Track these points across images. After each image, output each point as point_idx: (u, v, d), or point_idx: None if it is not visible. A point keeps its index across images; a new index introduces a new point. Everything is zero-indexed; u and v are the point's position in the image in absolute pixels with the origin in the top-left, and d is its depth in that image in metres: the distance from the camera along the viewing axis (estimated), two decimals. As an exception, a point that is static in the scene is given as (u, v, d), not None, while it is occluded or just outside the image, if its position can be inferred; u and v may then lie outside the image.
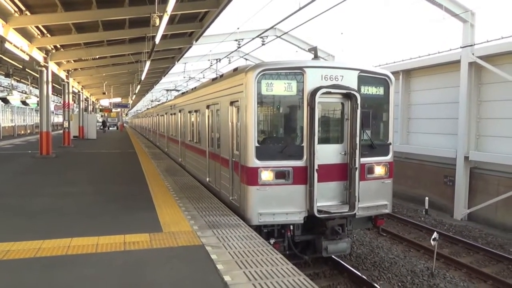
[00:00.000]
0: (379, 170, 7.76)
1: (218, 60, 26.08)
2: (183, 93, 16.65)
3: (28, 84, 33.23)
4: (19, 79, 31.02)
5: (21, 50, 14.38)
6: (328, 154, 7.35)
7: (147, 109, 42.75)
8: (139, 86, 31.62)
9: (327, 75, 7.22)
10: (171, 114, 17.87)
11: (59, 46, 18.59)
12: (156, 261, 5.00)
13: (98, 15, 13.80)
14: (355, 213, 7.32)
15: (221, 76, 9.76)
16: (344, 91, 7.27)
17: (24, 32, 14.42)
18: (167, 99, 28.63)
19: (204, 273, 4.62)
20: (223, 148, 8.79)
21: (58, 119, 55.56)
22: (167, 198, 8.69)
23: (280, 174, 7.04)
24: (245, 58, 27.21)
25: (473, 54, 14.14)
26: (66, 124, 24.23)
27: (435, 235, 9.14)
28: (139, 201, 8.48)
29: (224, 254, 5.21)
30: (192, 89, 14.34)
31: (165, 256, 5.18)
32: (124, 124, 70.60)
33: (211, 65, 27.75)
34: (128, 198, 8.79)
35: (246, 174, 7.13)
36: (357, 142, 7.25)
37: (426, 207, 15.17)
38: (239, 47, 20.89)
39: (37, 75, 18.64)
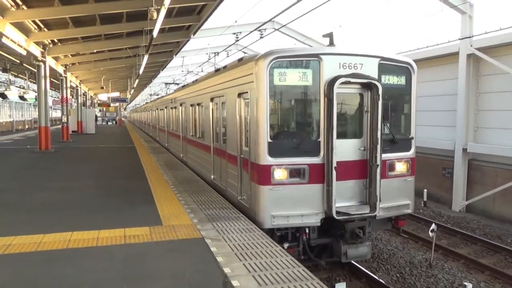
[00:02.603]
0: (400, 167, 7.16)
1: (216, 53, 26.01)
2: (183, 86, 16.15)
3: (26, 79, 33.14)
4: (16, 74, 30.92)
5: (18, 44, 14.33)
6: (345, 149, 6.72)
7: (146, 103, 42.53)
8: (137, 80, 31.56)
9: (346, 63, 6.58)
10: (172, 108, 17.33)
11: (56, 41, 18.51)
12: (156, 254, 5.04)
13: (95, 9, 13.73)
14: (375, 214, 6.74)
15: (225, 67, 9.14)
16: (365, 81, 6.65)
17: (21, 27, 14.35)
18: (166, 93, 28.43)
19: (204, 265, 4.66)
20: (230, 143, 8.18)
21: (56, 114, 55.50)
22: (167, 192, 8.71)
23: (295, 172, 6.45)
24: (243, 52, 27.14)
25: (471, 45, 14.11)
26: (64, 119, 24.23)
27: (433, 226, 9.19)
28: (139, 195, 8.50)
29: (224, 246, 5.25)
30: (193, 81, 13.73)
31: (165, 249, 5.22)
32: (123, 119, 70.45)
33: (209, 59, 27.70)
34: (128, 192, 8.82)
35: (258, 172, 6.53)
36: (378, 136, 6.63)
37: (425, 199, 15.24)
38: (237, 40, 20.84)
39: (35, 70, 18.58)
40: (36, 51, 16.77)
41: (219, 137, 9.21)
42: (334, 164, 6.42)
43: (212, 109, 9.71)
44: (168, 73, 39.19)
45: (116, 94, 46.85)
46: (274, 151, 6.41)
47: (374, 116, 6.70)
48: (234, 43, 22.48)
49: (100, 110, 59.39)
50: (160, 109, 22.54)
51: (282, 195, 6.40)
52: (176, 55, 24.51)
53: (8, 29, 13.03)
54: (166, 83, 33.89)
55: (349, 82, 6.55)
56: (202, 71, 31.65)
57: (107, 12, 14.09)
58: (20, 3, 12.90)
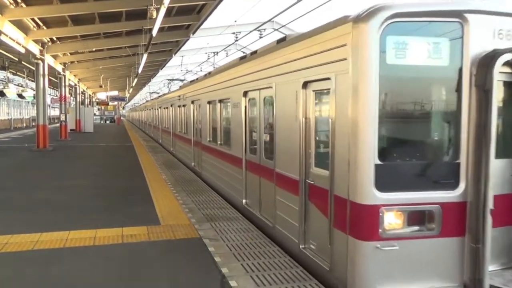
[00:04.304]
0: None
1: (216, 53, 26.02)
2: (191, 81, 13.99)
3: (24, 77, 33.12)
4: (15, 72, 30.87)
5: (16, 42, 14.30)
6: (495, 176, 3.87)
7: (147, 101, 41.97)
8: (136, 79, 31.55)
9: (502, 30, 3.90)
10: (179, 106, 14.87)
11: (55, 39, 18.49)
12: (154, 253, 5.01)
13: (95, 7, 13.73)
14: None
15: (254, 52, 6.93)
16: None
17: (19, 24, 14.33)
18: (169, 91, 27.92)
19: (201, 265, 4.64)
20: (283, 159, 5.51)
21: (54, 112, 55.46)
22: (165, 192, 8.70)
23: (417, 218, 3.87)
24: (242, 52, 27.16)
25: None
26: (62, 118, 24.22)
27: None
28: (137, 194, 8.48)
29: (221, 246, 5.23)
30: (205, 75, 11.60)
31: (162, 248, 5.20)
32: (122, 118, 70.40)
33: (208, 58, 27.70)
34: (126, 192, 8.79)
35: (354, 217, 3.87)
36: None
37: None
38: (236, 40, 20.83)
39: (33, 68, 18.56)
40: (35, 49, 16.74)
41: (258, 147, 6.55)
42: (491, 205, 3.75)
43: (246, 107, 7.13)
44: (167, 72, 39.21)
45: (115, 93, 46.84)
46: (384, 180, 3.77)
47: None
48: (233, 43, 22.47)
49: (98, 109, 59.36)
50: (165, 108, 19.67)
51: (396, 257, 3.82)
52: (175, 54, 24.52)
53: (7, 27, 13.01)
54: (169, 80, 33.66)
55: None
56: (201, 70, 31.65)
57: (106, 10, 14.08)
58: (19, 1, 12.87)
